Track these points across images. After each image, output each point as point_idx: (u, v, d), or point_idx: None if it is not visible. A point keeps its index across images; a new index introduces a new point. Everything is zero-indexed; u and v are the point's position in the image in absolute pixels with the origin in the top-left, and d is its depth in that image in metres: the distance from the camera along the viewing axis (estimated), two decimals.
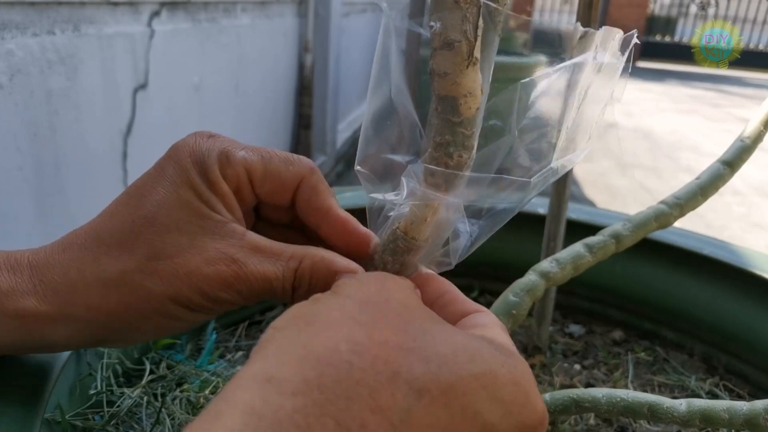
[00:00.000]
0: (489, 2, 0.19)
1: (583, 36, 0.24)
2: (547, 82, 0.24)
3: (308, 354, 0.17)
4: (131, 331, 0.25)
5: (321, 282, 0.25)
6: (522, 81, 0.23)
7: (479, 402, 0.18)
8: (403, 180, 0.23)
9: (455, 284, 0.70)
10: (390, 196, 0.25)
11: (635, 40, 0.24)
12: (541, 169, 0.24)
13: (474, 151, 0.22)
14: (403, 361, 0.18)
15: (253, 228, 0.27)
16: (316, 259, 0.25)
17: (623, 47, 0.24)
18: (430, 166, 0.22)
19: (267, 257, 0.24)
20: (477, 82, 0.20)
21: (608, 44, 0.23)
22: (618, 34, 0.23)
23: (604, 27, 0.24)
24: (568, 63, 0.24)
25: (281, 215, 0.29)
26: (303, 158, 0.27)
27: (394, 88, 0.23)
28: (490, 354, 0.20)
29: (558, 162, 0.24)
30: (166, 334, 0.27)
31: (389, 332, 0.19)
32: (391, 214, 0.25)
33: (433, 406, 0.17)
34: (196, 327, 0.28)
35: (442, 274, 0.26)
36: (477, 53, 0.20)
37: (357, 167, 0.25)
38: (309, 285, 0.25)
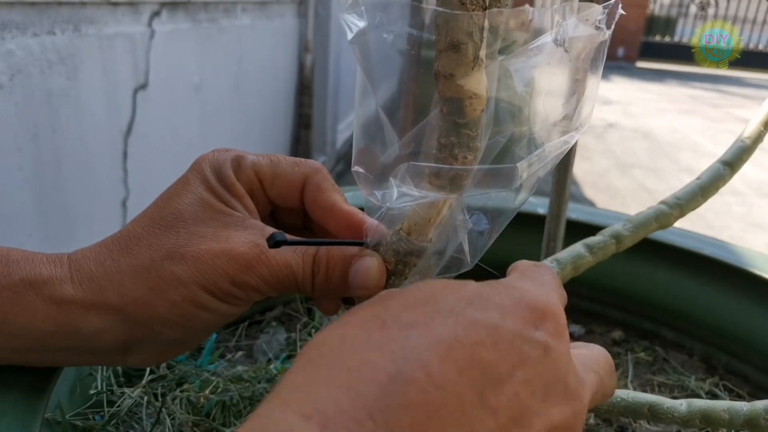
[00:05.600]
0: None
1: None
2: (531, 62, 0.23)
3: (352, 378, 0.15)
4: (161, 324, 0.26)
5: (337, 267, 0.26)
6: (500, 59, 0.23)
7: (473, 312, 0.17)
8: (392, 181, 0.23)
9: None
10: (385, 199, 0.24)
11: (620, 11, 0.23)
12: (537, 156, 0.23)
13: (479, 152, 0.22)
14: (389, 313, 0.17)
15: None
16: (332, 246, 0.27)
17: (608, 21, 0.23)
18: (428, 165, 0.22)
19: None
20: (482, 84, 0.20)
21: (588, 17, 0.23)
22: (597, 9, 0.23)
23: (580, 2, 0.23)
24: (544, 37, 0.23)
25: (297, 220, 0.31)
26: (309, 161, 0.29)
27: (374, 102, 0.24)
28: (467, 283, 0.19)
29: (553, 146, 0.24)
30: (196, 330, 0.27)
31: (378, 305, 0.18)
32: (393, 213, 0.25)
33: (430, 329, 0.16)
34: (224, 324, 0.29)
35: (458, 276, 0.27)
36: (482, 55, 0.20)
37: (354, 168, 0.25)
38: (326, 271, 0.26)
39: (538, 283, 0.21)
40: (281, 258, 0.25)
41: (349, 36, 0.22)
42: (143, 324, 0.25)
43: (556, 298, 0.20)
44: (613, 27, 0.23)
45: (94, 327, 0.25)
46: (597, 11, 0.23)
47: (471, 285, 0.19)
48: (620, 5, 0.23)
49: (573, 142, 0.24)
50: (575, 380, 0.18)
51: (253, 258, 0.25)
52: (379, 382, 0.14)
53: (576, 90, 0.24)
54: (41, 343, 0.26)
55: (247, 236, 0.26)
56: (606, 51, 0.24)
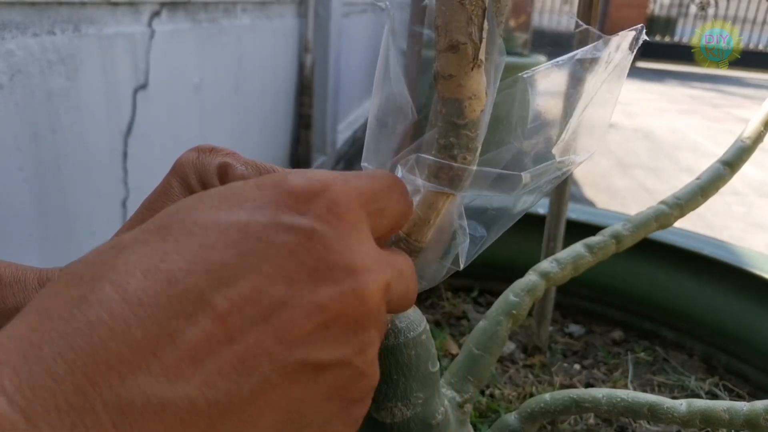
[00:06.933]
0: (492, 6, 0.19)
1: (582, 33, 0.24)
2: (549, 79, 0.24)
3: None
4: None
5: None
6: (523, 74, 0.23)
7: (210, 214, 0.15)
8: (399, 169, 0.23)
9: (455, 284, 0.69)
10: None
11: (644, 37, 0.24)
12: (544, 169, 0.24)
13: (478, 152, 0.22)
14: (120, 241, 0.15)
15: None
16: None
17: (631, 44, 0.24)
18: (434, 159, 0.22)
19: None
20: (482, 85, 0.20)
21: (621, 46, 0.23)
22: (629, 36, 0.23)
23: (619, 35, 0.23)
24: (570, 55, 0.23)
25: None
26: None
27: (395, 87, 0.24)
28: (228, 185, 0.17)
29: (561, 162, 0.24)
30: None
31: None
32: None
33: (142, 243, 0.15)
34: None
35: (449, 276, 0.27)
36: (482, 55, 0.20)
37: (363, 164, 0.25)
38: None
39: (326, 171, 0.18)
40: None
41: (388, 17, 0.22)
42: None
43: (340, 181, 0.17)
44: (635, 51, 0.23)
45: None
46: (629, 38, 0.23)
47: (228, 187, 0.17)
48: (644, 30, 0.24)
49: (581, 161, 0.24)
50: (353, 257, 0.16)
51: None
52: (61, 329, 0.13)
53: (587, 109, 0.24)
54: None
55: None
56: (625, 74, 0.24)
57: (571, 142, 0.24)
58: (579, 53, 0.23)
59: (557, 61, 0.24)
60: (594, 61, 0.23)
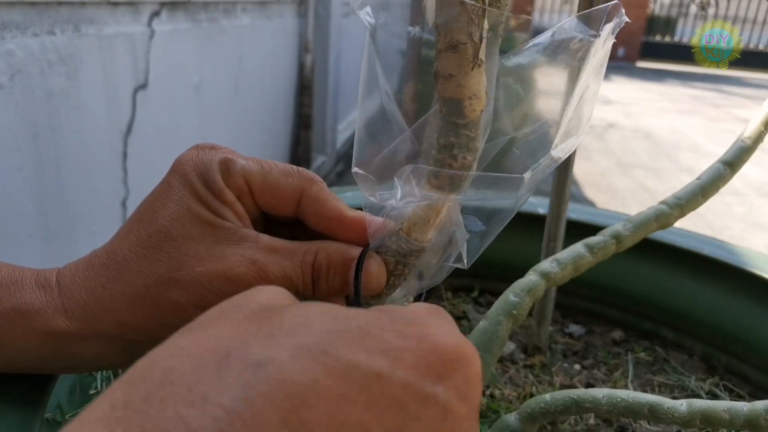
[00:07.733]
0: (491, 7, 0.19)
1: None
2: (536, 67, 0.23)
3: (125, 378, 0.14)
4: None
5: (338, 271, 0.26)
6: (503, 62, 0.23)
7: (353, 353, 0.14)
8: (396, 181, 0.23)
9: (455, 284, 0.69)
10: (386, 199, 0.25)
11: (625, 18, 0.23)
12: (538, 160, 0.24)
13: (478, 152, 0.22)
14: (237, 342, 0.14)
15: (265, 228, 0.27)
16: (331, 251, 0.26)
17: (609, 20, 0.23)
18: (431, 168, 0.22)
19: (283, 256, 0.25)
20: (482, 84, 0.20)
21: (611, 24, 0.23)
22: (596, 11, 0.23)
23: (594, 9, 0.23)
24: (546, 35, 0.23)
25: (287, 229, 0.29)
26: (303, 170, 0.27)
27: (382, 93, 0.23)
28: (358, 313, 0.16)
29: (556, 150, 0.24)
30: None
31: (224, 325, 0.15)
32: (393, 213, 0.25)
33: (284, 371, 0.13)
34: None
35: (450, 275, 0.27)
36: (482, 55, 0.20)
37: (354, 169, 0.25)
38: (327, 276, 0.26)
39: (450, 323, 0.17)
40: (280, 272, 0.25)
41: (368, 28, 0.22)
42: (143, 346, 0.25)
43: (471, 346, 0.16)
44: (613, 26, 0.23)
45: (92, 353, 0.25)
46: (598, 13, 0.23)
47: (361, 316, 0.16)
48: (623, 10, 0.23)
49: (575, 146, 0.24)
50: None
51: (252, 279, 0.24)
52: None
53: (575, 91, 0.24)
54: (39, 365, 0.25)
55: (242, 252, 0.24)
56: (609, 51, 0.24)
57: (566, 131, 0.24)
58: (555, 31, 0.23)
59: (535, 43, 0.23)
60: (573, 42, 0.23)
